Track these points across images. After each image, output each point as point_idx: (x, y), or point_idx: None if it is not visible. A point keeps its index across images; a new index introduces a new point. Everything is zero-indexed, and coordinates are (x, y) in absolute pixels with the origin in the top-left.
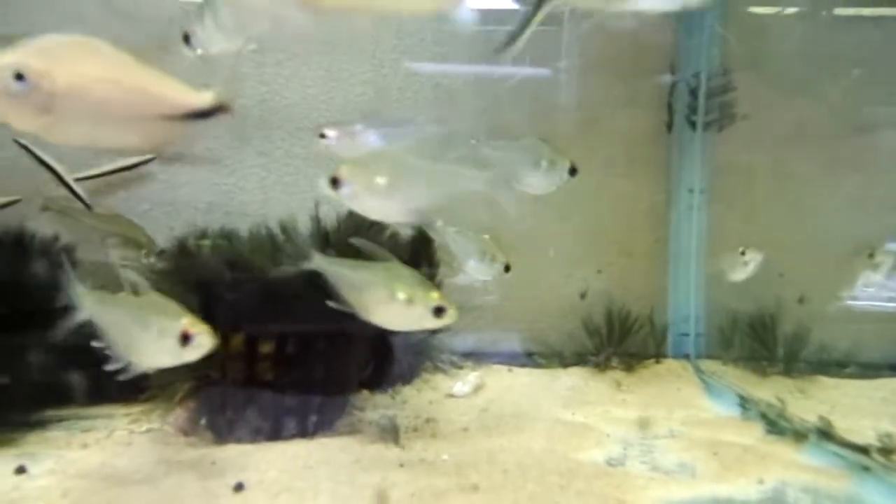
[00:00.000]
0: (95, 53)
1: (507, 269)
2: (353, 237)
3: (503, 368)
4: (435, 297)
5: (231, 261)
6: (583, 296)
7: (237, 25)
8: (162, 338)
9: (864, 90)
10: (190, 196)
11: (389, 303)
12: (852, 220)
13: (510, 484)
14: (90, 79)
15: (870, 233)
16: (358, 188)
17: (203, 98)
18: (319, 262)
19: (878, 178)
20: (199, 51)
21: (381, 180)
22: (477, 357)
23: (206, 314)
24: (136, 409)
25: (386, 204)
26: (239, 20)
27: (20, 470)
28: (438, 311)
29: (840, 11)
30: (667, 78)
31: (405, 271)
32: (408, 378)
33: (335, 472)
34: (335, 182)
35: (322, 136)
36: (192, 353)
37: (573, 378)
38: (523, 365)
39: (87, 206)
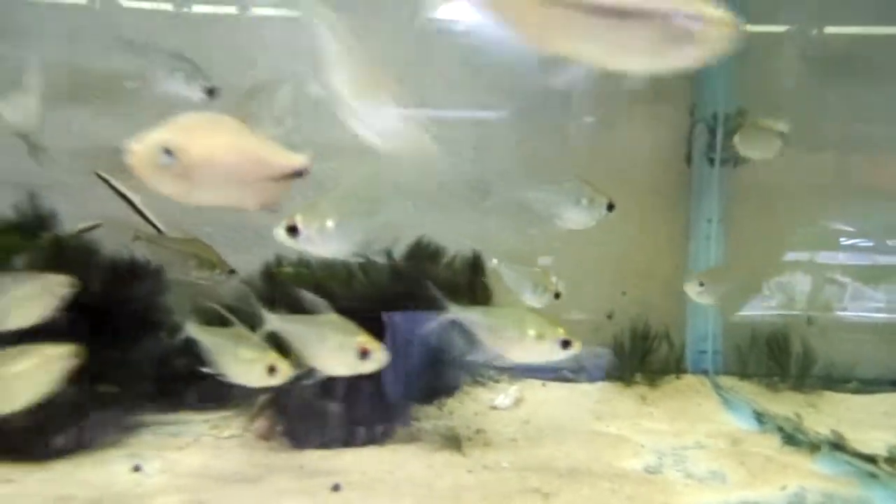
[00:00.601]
0: (222, 127)
1: (558, 296)
2: (419, 267)
3: (537, 383)
4: (561, 332)
5: (312, 287)
6: (610, 316)
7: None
8: (341, 352)
9: (873, 123)
10: (249, 221)
11: (522, 340)
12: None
13: (567, 488)
14: (219, 149)
15: (872, 258)
16: (313, 233)
17: (300, 160)
18: (456, 311)
19: (883, 205)
20: None
21: (331, 223)
22: (511, 371)
23: None
24: (213, 416)
25: (337, 244)
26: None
27: (136, 468)
28: (566, 344)
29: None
30: (687, 118)
31: (530, 312)
32: (451, 390)
33: (412, 476)
34: (292, 230)
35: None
36: (370, 366)
37: (601, 392)
38: (553, 379)
39: (160, 231)
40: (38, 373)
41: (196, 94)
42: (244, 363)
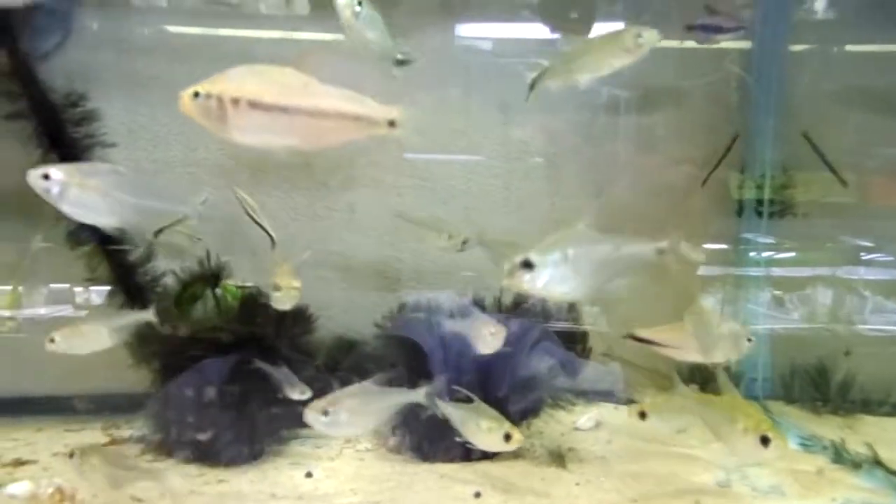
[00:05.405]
0: None
1: None
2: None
3: (609, 405)
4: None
5: None
6: None
7: None
8: (744, 437)
9: None
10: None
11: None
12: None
13: (658, 499)
14: None
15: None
16: None
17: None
18: None
19: None
20: None
21: None
22: (584, 395)
23: None
24: None
25: None
26: None
27: (308, 474)
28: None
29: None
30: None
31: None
32: (536, 412)
33: (532, 487)
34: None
35: None
36: (771, 454)
37: None
38: (622, 402)
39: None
40: None
41: None
42: (486, 432)
